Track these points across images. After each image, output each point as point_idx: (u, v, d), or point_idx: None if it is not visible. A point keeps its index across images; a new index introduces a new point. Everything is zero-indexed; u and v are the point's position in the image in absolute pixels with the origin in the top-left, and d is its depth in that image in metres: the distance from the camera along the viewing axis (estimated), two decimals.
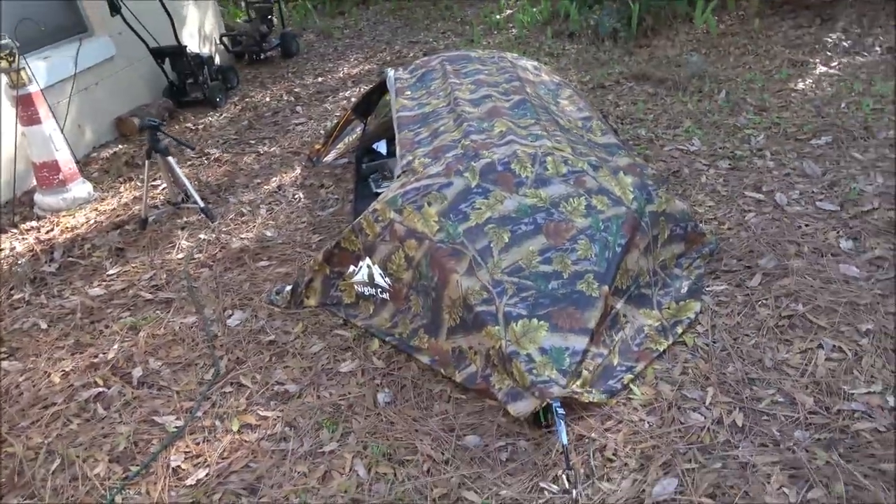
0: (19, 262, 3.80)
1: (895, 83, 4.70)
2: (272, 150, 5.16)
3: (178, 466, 2.34)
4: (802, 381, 2.35)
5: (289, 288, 3.16)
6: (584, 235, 2.60)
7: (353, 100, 6.01)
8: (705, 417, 2.26)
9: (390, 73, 4.11)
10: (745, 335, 2.61)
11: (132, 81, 6.11)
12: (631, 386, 2.42)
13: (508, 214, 2.63)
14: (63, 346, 3.05)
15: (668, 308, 2.74)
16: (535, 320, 2.39)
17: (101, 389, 2.74)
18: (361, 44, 8.18)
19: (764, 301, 2.76)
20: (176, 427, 2.51)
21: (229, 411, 2.56)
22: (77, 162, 4.65)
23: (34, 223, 4.30)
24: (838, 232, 3.15)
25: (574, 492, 2.04)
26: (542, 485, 2.09)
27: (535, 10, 8.04)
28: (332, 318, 3.00)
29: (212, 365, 2.82)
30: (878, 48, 5.48)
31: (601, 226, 2.63)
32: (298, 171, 4.71)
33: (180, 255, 3.72)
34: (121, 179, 4.89)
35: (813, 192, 3.53)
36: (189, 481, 2.27)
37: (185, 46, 6.16)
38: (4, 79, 4.21)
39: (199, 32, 7.27)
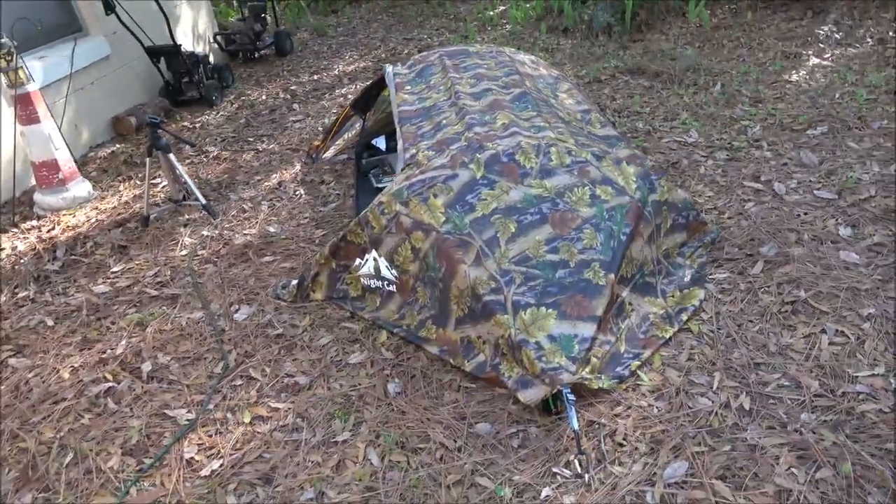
0: (22, 260, 3.79)
1: (887, 73, 4.76)
2: (271, 147, 5.17)
3: (192, 458, 2.36)
4: (807, 365, 2.39)
5: (295, 282, 3.17)
6: (589, 225, 2.63)
7: (350, 97, 6.02)
8: (713, 402, 2.30)
9: (389, 68, 4.12)
10: (748, 321, 2.65)
11: (128, 81, 6.10)
12: (638, 372, 2.45)
13: (514, 205, 2.66)
14: (70, 343, 3.05)
15: (673, 296, 2.78)
16: (543, 308, 2.42)
17: (111, 384, 2.75)
18: (356, 41, 8.18)
19: (766, 288, 2.80)
20: (188, 420, 2.53)
21: (240, 404, 2.58)
22: (75, 161, 4.64)
23: (34, 222, 4.30)
24: (837, 219, 3.20)
25: (586, 476, 2.07)
26: (555, 469, 2.12)
27: (528, 5, 8.07)
28: (339, 312, 3.02)
29: (221, 359, 2.83)
30: (869, 39, 5.54)
31: (606, 215, 2.67)
32: (298, 167, 4.72)
33: (184, 252, 3.73)
34: (120, 178, 4.89)
35: (810, 181, 3.58)
36: (203, 472, 2.29)
37: (181, 45, 6.15)
38: (3, 78, 4.20)
39: (193, 31, 7.25)
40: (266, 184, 4.51)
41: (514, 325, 2.38)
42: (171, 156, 3.95)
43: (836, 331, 2.52)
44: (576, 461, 2.12)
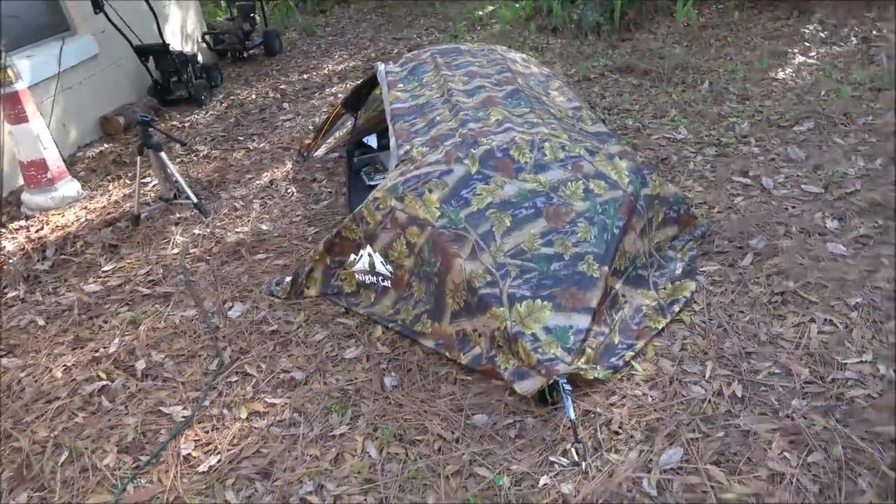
0: (11, 260, 3.77)
1: (871, 71, 4.84)
2: (261, 146, 5.17)
3: (189, 454, 2.35)
4: (797, 353, 2.43)
5: (289, 279, 3.18)
6: (583, 218, 2.66)
7: (340, 96, 6.03)
8: (706, 390, 2.33)
9: (381, 66, 4.13)
10: (739, 312, 2.69)
11: (116, 80, 6.07)
12: (632, 362, 2.48)
13: (509, 199, 2.68)
14: (63, 342, 3.04)
15: (665, 288, 2.81)
16: (538, 301, 2.44)
17: (104, 383, 2.74)
18: (345, 41, 8.19)
19: (756, 279, 2.84)
20: (184, 417, 2.52)
21: (237, 400, 2.58)
22: (64, 160, 4.61)
23: (23, 222, 4.27)
24: (824, 213, 3.25)
25: (583, 464, 2.10)
26: (552, 458, 2.14)
27: (517, 5, 8.11)
28: (334, 308, 3.03)
29: (215, 356, 2.83)
30: (853, 38, 5.63)
31: (599, 209, 2.70)
32: (289, 165, 4.72)
33: (175, 251, 3.72)
34: (109, 178, 4.86)
35: (798, 175, 3.63)
36: (201, 468, 2.28)
37: (169, 45, 6.13)
38: None
39: (182, 31, 7.23)
40: (257, 182, 4.50)
41: (510, 317, 2.40)
42: (163, 154, 3.94)
43: (825, 320, 2.56)
44: (573, 450, 2.14)
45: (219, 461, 2.30)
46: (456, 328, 2.60)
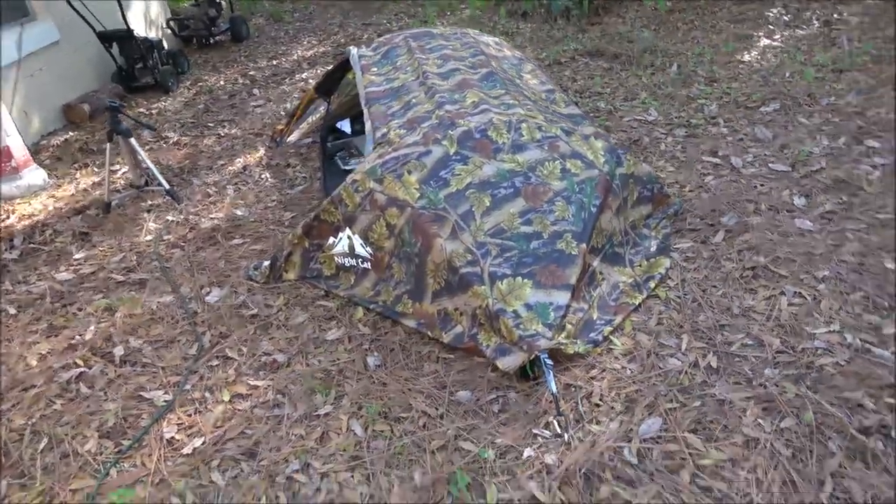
0: None
1: (833, 53, 4.97)
2: (233, 132, 5.10)
3: (173, 438, 2.34)
4: (768, 325, 2.51)
5: (267, 263, 3.16)
6: (560, 197, 2.70)
7: (311, 81, 5.97)
8: (682, 362, 2.40)
9: (353, 50, 4.11)
10: (712, 287, 2.76)
11: (79, 67, 5.93)
12: (611, 337, 2.53)
13: (488, 179, 2.71)
14: (36, 330, 2.98)
15: (640, 265, 2.87)
16: (519, 278, 2.48)
17: (82, 369, 2.70)
18: (313, 27, 8.10)
19: (728, 255, 2.92)
20: (165, 401, 2.51)
21: (218, 383, 2.57)
22: (28, 149, 4.50)
23: None
24: (791, 190, 3.34)
25: (566, 435, 2.15)
26: (535, 431, 2.18)
27: None
28: (314, 291, 3.03)
29: (195, 340, 2.81)
30: (815, 21, 5.76)
31: (576, 188, 2.74)
32: (262, 151, 4.68)
33: (149, 237, 3.67)
34: (76, 166, 4.76)
35: (765, 154, 3.73)
36: (185, 450, 2.28)
37: (134, 30, 5.99)
38: None
39: (145, 17, 7.07)
40: (230, 168, 4.45)
41: (492, 295, 2.43)
42: (133, 140, 3.87)
43: (794, 292, 2.65)
44: (555, 422, 2.19)
45: (203, 443, 2.30)
46: (437, 307, 2.62)
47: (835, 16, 5.75)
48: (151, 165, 3.96)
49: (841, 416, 2.08)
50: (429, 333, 2.62)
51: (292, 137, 4.77)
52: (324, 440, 2.26)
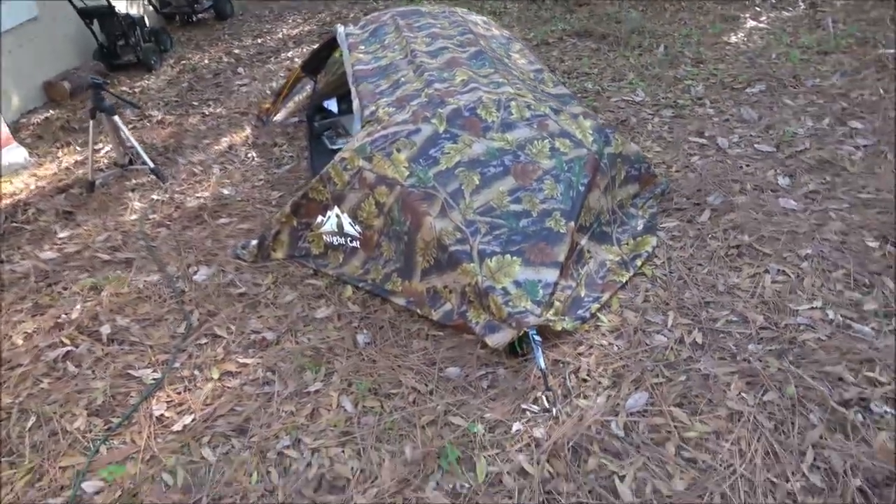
0: None
1: (818, 35, 5.00)
2: (217, 111, 5.05)
3: (162, 415, 2.35)
4: (752, 302, 2.55)
5: (255, 242, 3.15)
6: (549, 176, 2.71)
7: (296, 60, 5.91)
8: (668, 338, 2.43)
9: (340, 29, 4.07)
10: (698, 265, 2.79)
11: (59, 44, 5.81)
12: (598, 314, 2.56)
13: (477, 158, 2.71)
14: (21, 310, 2.96)
15: (627, 244, 2.90)
16: (508, 256, 2.49)
17: (69, 348, 2.69)
18: (298, 5, 8.00)
19: (713, 234, 2.96)
20: (154, 379, 2.50)
21: (207, 361, 2.57)
22: (8, 127, 4.42)
23: None
24: (776, 170, 3.38)
25: (554, 410, 2.18)
26: (524, 406, 2.21)
27: None
28: (302, 269, 3.02)
29: (183, 319, 2.80)
30: (801, 3, 5.79)
31: (565, 166, 2.75)
32: (248, 130, 4.64)
33: (134, 216, 3.63)
34: (58, 144, 4.68)
35: (751, 135, 3.76)
36: (175, 427, 2.28)
37: (114, 6, 5.88)
38: None
39: None
40: (216, 147, 4.41)
41: (481, 272, 2.45)
42: (116, 118, 3.82)
43: (778, 270, 2.69)
44: (543, 397, 2.22)
45: (193, 420, 2.30)
46: (426, 285, 2.63)
47: None
48: (136, 144, 3.91)
49: (822, 390, 2.13)
50: (418, 311, 2.63)
51: (279, 116, 4.73)
52: (314, 416, 2.28)
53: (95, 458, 2.20)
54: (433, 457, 2.06)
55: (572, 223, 2.61)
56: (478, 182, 2.65)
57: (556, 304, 2.48)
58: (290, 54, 6.21)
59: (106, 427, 2.32)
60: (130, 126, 4.82)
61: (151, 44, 6.26)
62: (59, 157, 4.48)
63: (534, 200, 2.64)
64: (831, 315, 2.43)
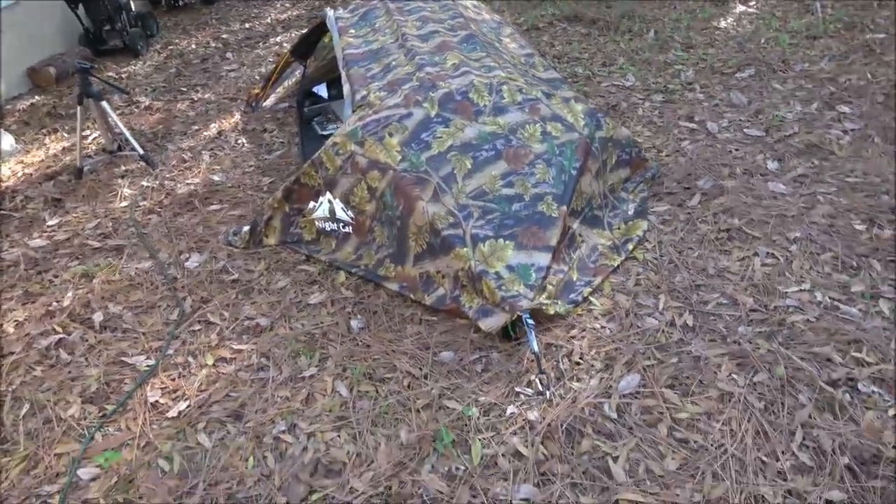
0: None
1: (807, 20, 5.02)
2: (206, 96, 5.00)
3: (157, 401, 2.35)
4: (742, 285, 2.58)
5: (247, 228, 3.14)
6: (541, 160, 2.72)
7: (285, 45, 5.86)
8: (659, 321, 2.46)
9: (330, 12, 4.04)
10: (688, 248, 2.82)
11: (43, 29, 5.72)
12: (591, 298, 2.58)
13: (469, 142, 2.71)
14: (11, 298, 2.94)
15: (619, 228, 2.91)
16: (501, 240, 2.50)
17: (61, 336, 2.68)
18: None
19: (704, 218, 2.98)
20: (148, 366, 2.50)
21: (201, 347, 2.57)
22: None
23: None
24: (765, 154, 3.40)
25: (547, 392, 2.20)
26: (518, 389, 2.23)
27: None
28: (295, 255, 3.02)
29: (175, 306, 2.80)
30: None
31: (556, 151, 2.76)
32: (238, 116, 4.60)
33: (124, 203, 3.61)
34: (45, 131, 4.63)
35: (740, 120, 3.78)
36: (170, 414, 2.29)
37: None
38: None
39: None
40: (205, 133, 4.38)
41: (474, 257, 2.46)
42: (104, 104, 3.78)
43: (767, 253, 2.72)
44: (537, 380, 2.24)
45: (188, 406, 2.31)
46: (419, 270, 2.64)
47: None
48: (124, 129, 3.87)
49: (811, 370, 2.17)
50: (411, 296, 2.64)
51: (268, 102, 4.70)
52: (309, 401, 2.29)
53: (90, 445, 2.20)
54: (428, 440, 2.08)
55: (564, 207, 2.62)
56: (470, 166, 2.65)
57: (549, 287, 2.50)
58: (278, 39, 6.15)
59: (100, 414, 2.32)
60: (118, 112, 4.77)
61: (138, 28, 6.18)
62: (46, 144, 4.43)
63: (526, 184, 2.64)
64: (819, 297, 2.47)
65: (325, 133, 4.08)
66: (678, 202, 3.12)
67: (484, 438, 2.08)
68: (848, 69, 4.17)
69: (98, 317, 2.76)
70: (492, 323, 2.39)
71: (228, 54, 5.87)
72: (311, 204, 2.97)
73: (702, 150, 3.52)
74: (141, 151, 3.88)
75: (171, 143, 4.26)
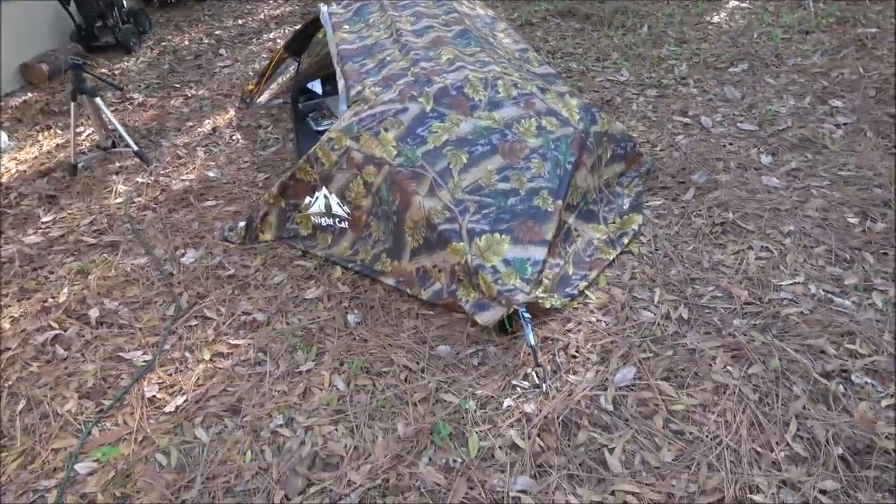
0: None
1: (799, 14, 5.04)
2: (200, 93, 4.99)
3: (154, 396, 2.35)
4: (737, 278, 2.60)
5: (242, 224, 3.14)
6: (536, 154, 2.72)
7: (279, 41, 5.85)
8: (655, 314, 2.47)
9: (323, 8, 4.03)
10: (683, 242, 2.83)
11: (34, 25, 5.69)
12: (586, 292, 2.60)
13: (465, 136, 2.72)
14: (6, 294, 2.93)
15: (614, 222, 2.93)
16: (497, 234, 2.51)
17: (57, 332, 2.68)
18: None
19: (698, 212, 3.00)
20: (145, 361, 2.50)
21: (198, 342, 2.57)
22: None
23: None
24: (758, 149, 3.42)
25: (544, 385, 2.21)
26: (515, 382, 2.25)
27: None
28: (291, 251, 3.02)
29: (172, 301, 2.80)
30: None
31: (552, 145, 2.76)
32: (232, 112, 4.59)
33: (119, 200, 3.60)
34: (38, 128, 4.61)
35: (734, 114, 3.80)
36: (168, 408, 2.29)
37: None
38: None
39: None
40: (199, 129, 4.37)
41: (471, 251, 2.47)
42: (98, 100, 3.76)
43: (762, 246, 2.74)
44: (533, 373, 2.25)
45: (185, 401, 2.31)
46: (416, 265, 2.65)
47: None
48: (119, 126, 3.86)
49: (805, 362, 2.18)
50: (408, 291, 2.65)
51: (262, 98, 4.69)
52: (307, 395, 2.30)
53: (88, 440, 2.20)
54: (426, 433, 2.09)
55: (560, 201, 2.63)
56: (466, 161, 2.66)
57: (545, 281, 2.51)
58: (272, 35, 6.14)
59: (97, 409, 2.32)
60: (111, 109, 4.76)
61: (130, 25, 6.16)
62: (39, 141, 4.41)
63: (521, 179, 2.65)
64: (813, 290, 2.49)
65: (319, 129, 4.08)
66: (673, 196, 3.13)
67: (481, 431, 2.09)
68: (840, 64, 4.20)
69: (94, 313, 2.76)
70: (488, 317, 2.40)
71: (222, 50, 5.85)
72: (307, 199, 2.97)
73: (696, 144, 3.53)
74: (135, 148, 3.87)
75: (165, 140, 4.25)
